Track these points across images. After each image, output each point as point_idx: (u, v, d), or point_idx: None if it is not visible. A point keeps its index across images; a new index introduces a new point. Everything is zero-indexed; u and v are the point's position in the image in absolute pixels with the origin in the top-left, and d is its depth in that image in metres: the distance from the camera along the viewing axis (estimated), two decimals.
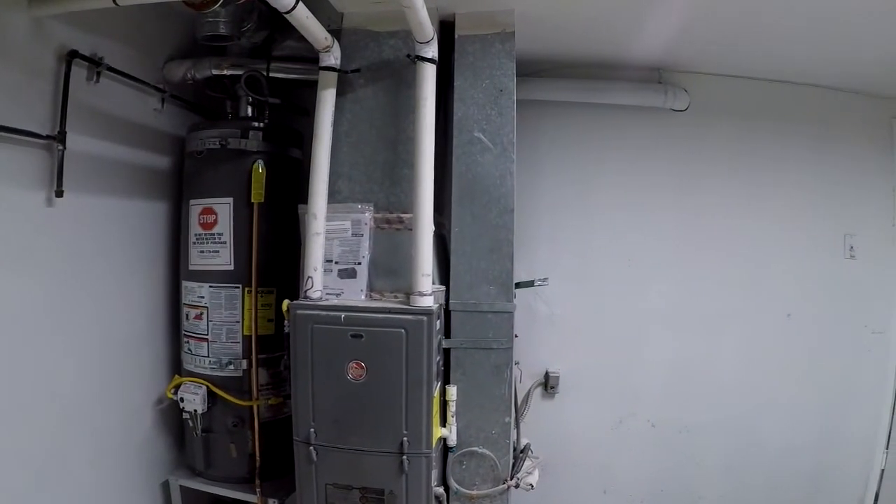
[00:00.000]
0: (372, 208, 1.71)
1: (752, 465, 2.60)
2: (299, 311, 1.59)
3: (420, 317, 1.52)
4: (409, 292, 1.59)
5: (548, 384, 2.49)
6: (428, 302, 1.56)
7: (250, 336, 2.02)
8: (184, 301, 2.11)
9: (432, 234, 1.58)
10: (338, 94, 1.72)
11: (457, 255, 1.75)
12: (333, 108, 1.69)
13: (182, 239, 2.14)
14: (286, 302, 1.63)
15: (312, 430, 1.60)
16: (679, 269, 2.54)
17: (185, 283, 2.11)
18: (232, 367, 2.05)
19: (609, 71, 2.47)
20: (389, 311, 1.55)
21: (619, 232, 2.54)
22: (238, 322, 2.03)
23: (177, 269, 2.17)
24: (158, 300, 2.20)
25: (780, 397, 2.57)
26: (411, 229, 1.59)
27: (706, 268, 2.54)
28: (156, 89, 2.09)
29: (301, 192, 1.75)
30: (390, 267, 1.68)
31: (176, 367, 2.20)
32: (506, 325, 1.73)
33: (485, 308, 1.72)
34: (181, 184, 2.20)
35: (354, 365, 1.54)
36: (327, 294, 1.66)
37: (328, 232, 1.67)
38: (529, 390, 2.48)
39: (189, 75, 2.15)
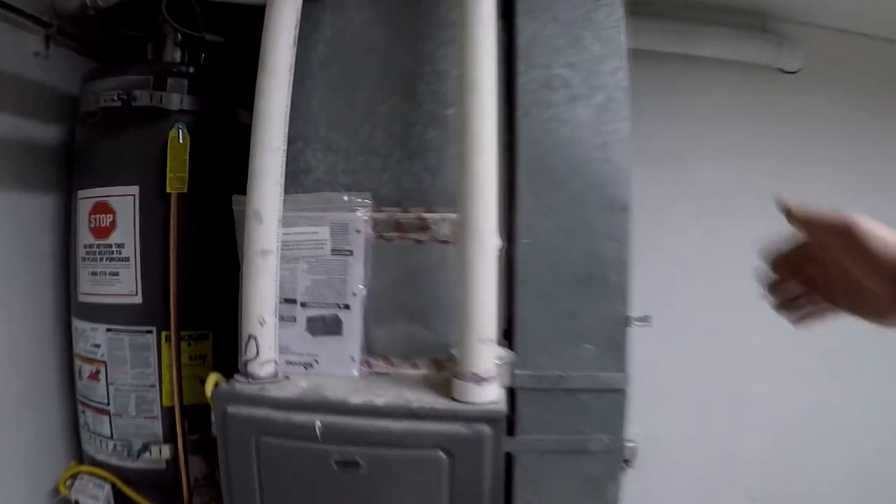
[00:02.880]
0: (369, 201, 0.93)
1: None
2: (232, 409, 0.79)
3: (479, 427, 0.73)
4: (445, 364, 0.81)
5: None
6: (492, 395, 0.76)
7: (173, 407, 1.27)
8: (75, 350, 1.35)
9: (496, 253, 0.80)
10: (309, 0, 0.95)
11: (526, 287, 0.95)
12: (298, 17, 0.90)
13: (70, 253, 1.38)
14: (212, 381, 0.86)
15: None
16: None
17: (75, 323, 1.34)
18: (149, 454, 1.29)
19: (693, 12, 1.83)
20: (414, 413, 0.75)
21: (708, 241, 1.88)
22: (153, 385, 1.26)
23: (69, 298, 1.41)
24: (47, 346, 1.43)
25: None
26: (448, 242, 0.82)
27: None
28: (36, 22, 1.33)
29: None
30: (406, 308, 0.91)
31: (77, 441, 1.45)
32: (613, 412, 0.98)
33: (576, 383, 0.94)
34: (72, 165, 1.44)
35: None
36: (288, 364, 0.89)
37: (287, 246, 0.89)
38: None
39: (89, 3, 1.40)
